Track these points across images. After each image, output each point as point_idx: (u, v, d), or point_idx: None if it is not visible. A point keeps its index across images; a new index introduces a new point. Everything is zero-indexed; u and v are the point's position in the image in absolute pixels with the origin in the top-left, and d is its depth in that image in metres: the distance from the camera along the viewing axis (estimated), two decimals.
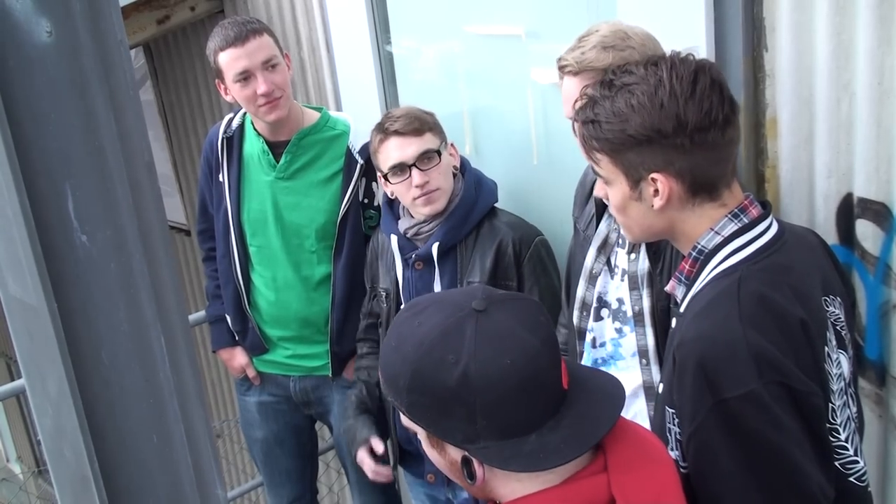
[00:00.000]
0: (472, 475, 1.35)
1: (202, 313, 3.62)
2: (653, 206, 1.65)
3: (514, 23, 2.94)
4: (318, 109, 3.17)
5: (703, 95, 1.58)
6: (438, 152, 2.69)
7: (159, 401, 0.95)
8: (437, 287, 2.75)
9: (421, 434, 1.40)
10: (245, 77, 2.88)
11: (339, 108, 3.81)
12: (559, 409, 1.35)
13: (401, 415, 1.41)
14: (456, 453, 1.36)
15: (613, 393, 1.42)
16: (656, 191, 1.64)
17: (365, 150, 3.01)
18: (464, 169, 2.82)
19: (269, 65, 2.89)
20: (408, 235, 2.81)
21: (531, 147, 3.03)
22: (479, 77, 3.22)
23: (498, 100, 3.17)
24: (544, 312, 1.41)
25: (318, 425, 3.66)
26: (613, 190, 1.70)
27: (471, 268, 2.71)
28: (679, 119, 1.58)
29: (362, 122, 3.22)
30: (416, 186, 2.67)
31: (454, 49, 3.27)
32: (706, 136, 1.59)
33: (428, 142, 2.68)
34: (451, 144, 2.78)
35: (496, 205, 2.82)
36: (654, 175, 1.62)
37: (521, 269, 2.70)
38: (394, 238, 2.83)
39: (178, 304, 0.95)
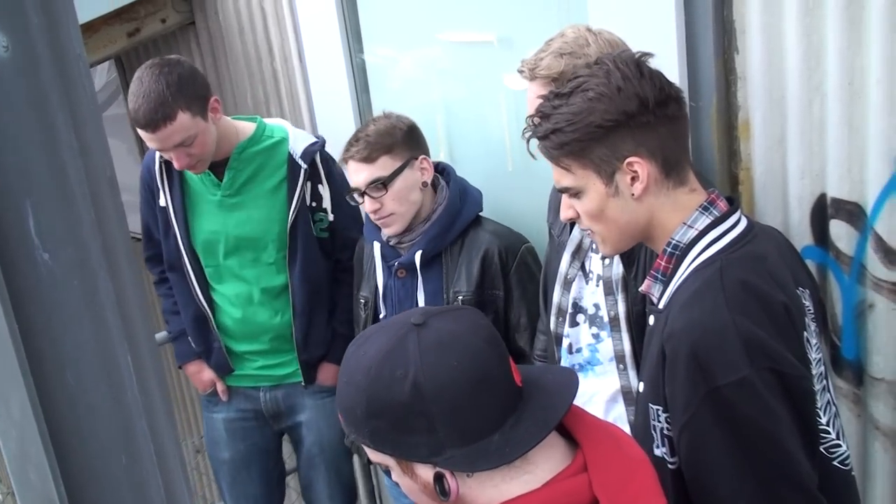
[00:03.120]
0: (445, 492, 1.34)
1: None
2: (633, 195, 1.67)
3: (486, 30, 2.94)
4: (253, 119, 3.11)
5: (651, 75, 1.65)
6: (387, 181, 2.63)
7: (128, 420, 0.93)
8: (421, 295, 2.74)
9: (391, 465, 1.39)
10: (162, 150, 2.87)
11: (312, 118, 3.79)
12: (518, 405, 1.35)
13: (368, 451, 1.40)
14: (426, 473, 1.35)
15: (567, 380, 1.43)
16: (633, 178, 1.66)
17: (307, 154, 2.98)
18: (448, 177, 2.80)
19: (183, 144, 2.80)
20: (391, 243, 2.79)
21: (506, 153, 3.02)
22: (452, 84, 3.21)
23: (472, 106, 3.17)
24: (484, 317, 1.44)
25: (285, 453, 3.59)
26: (587, 197, 1.71)
27: (457, 277, 2.70)
28: (640, 97, 1.63)
29: (337, 131, 3.20)
30: (369, 211, 2.69)
31: (427, 57, 3.26)
32: (667, 110, 1.65)
33: (379, 168, 2.64)
34: (423, 159, 2.72)
35: (481, 214, 2.80)
36: (629, 159, 1.64)
37: (509, 279, 2.68)
38: (376, 245, 2.82)
39: (144, 321, 0.94)
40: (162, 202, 3.08)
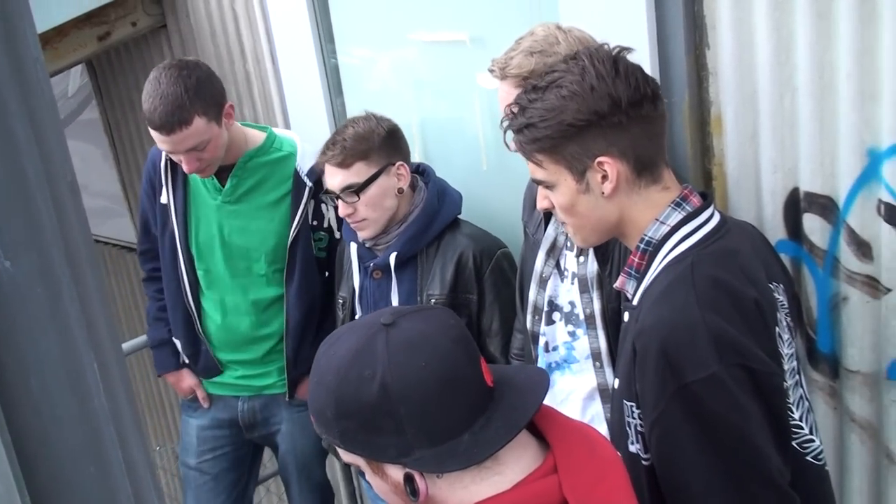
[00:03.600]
0: (415, 492, 1.33)
1: None
2: (603, 193, 1.67)
3: (458, 29, 2.93)
4: (264, 129, 3.10)
5: (627, 73, 1.64)
6: (359, 189, 2.62)
7: (95, 428, 0.92)
8: (395, 297, 2.73)
9: (362, 465, 1.39)
10: (172, 152, 2.85)
11: (286, 120, 3.77)
12: (488, 406, 1.34)
13: (340, 452, 1.40)
14: (397, 473, 1.34)
15: (538, 380, 1.43)
16: (604, 177, 1.65)
17: (313, 173, 2.96)
18: (427, 178, 2.79)
19: (195, 149, 2.79)
20: (367, 245, 2.78)
21: (480, 152, 3.02)
22: (425, 84, 3.21)
23: (445, 106, 3.16)
24: (454, 317, 1.43)
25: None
26: (559, 191, 1.70)
27: (431, 279, 2.69)
28: (612, 97, 1.61)
29: (311, 133, 3.19)
30: (343, 216, 2.69)
31: (400, 57, 3.26)
32: (640, 110, 1.64)
33: (354, 175, 2.63)
34: (401, 165, 2.69)
35: (460, 216, 2.79)
36: (600, 159, 1.64)
37: (483, 283, 2.67)
38: (353, 246, 2.81)
39: (110, 327, 0.93)
40: (164, 199, 3.07)
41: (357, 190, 2.62)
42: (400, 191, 2.69)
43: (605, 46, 1.69)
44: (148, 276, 3.30)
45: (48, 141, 0.85)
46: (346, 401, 1.32)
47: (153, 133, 2.78)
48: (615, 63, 1.64)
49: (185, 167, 2.84)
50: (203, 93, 2.75)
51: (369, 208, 2.65)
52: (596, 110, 1.61)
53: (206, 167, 2.87)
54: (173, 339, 3.26)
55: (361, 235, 2.73)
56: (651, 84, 1.67)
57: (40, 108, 0.85)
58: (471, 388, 1.34)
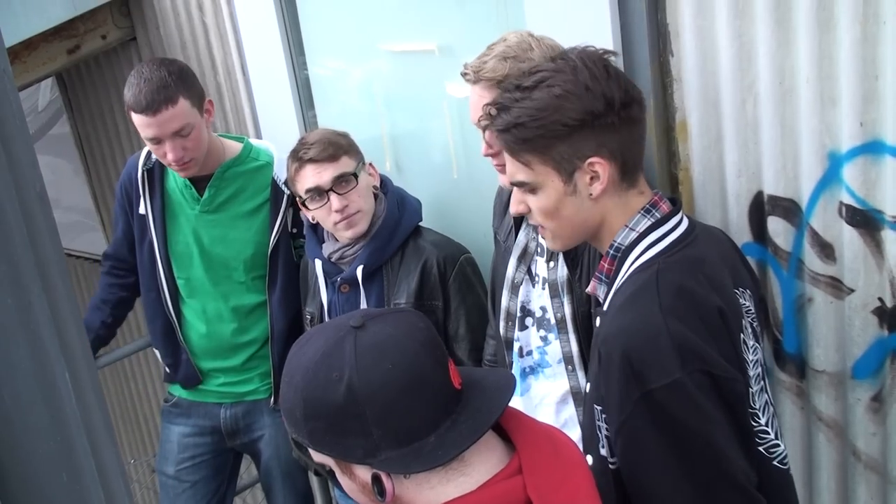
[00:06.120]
0: (382, 492, 1.35)
1: (132, 345, 3.61)
2: (590, 194, 1.68)
3: (427, 39, 2.95)
4: (240, 139, 3.13)
5: (616, 75, 1.66)
6: (355, 175, 2.68)
7: (67, 438, 0.92)
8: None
9: (332, 465, 1.40)
10: (157, 141, 2.83)
11: (258, 132, 3.78)
12: (455, 408, 1.36)
13: (310, 451, 1.41)
14: (364, 474, 1.36)
15: (505, 383, 1.44)
16: (593, 178, 1.66)
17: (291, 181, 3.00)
18: (386, 188, 2.81)
19: (180, 133, 2.81)
20: (332, 259, 2.79)
21: (451, 161, 3.04)
22: (396, 94, 3.22)
23: (416, 115, 3.18)
24: (424, 319, 1.44)
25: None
26: (544, 193, 1.70)
27: (397, 289, 2.70)
28: (606, 97, 1.63)
29: (283, 145, 3.20)
30: (336, 211, 2.66)
31: (370, 67, 3.27)
32: (630, 112, 1.66)
33: (343, 166, 2.67)
34: (370, 164, 2.77)
35: (421, 223, 2.81)
36: (591, 159, 1.65)
37: (447, 289, 2.69)
38: (318, 263, 2.82)
39: (80, 337, 0.93)
40: (141, 210, 3.08)
41: (354, 174, 2.67)
42: (375, 188, 2.74)
43: (591, 48, 1.70)
44: (107, 271, 3.31)
45: (16, 150, 0.86)
46: (313, 402, 1.33)
47: (138, 119, 2.80)
48: (605, 64, 1.66)
49: (169, 155, 2.83)
50: (186, 79, 2.84)
51: (362, 198, 2.69)
52: (591, 110, 1.62)
53: (189, 160, 2.87)
54: (153, 349, 3.27)
55: (355, 231, 2.70)
56: (636, 88, 1.70)
57: (8, 119, 0.86)
58: (437, 391, 1.35)
